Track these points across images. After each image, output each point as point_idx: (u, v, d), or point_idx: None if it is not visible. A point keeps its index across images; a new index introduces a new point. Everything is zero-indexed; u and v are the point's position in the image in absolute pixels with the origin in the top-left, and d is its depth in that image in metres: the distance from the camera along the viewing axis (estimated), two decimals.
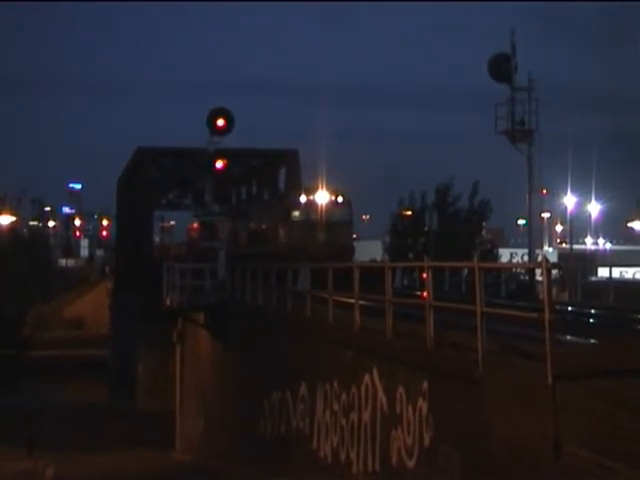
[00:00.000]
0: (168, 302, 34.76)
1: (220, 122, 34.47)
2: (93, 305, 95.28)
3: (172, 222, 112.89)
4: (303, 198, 39.09)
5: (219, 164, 35.22)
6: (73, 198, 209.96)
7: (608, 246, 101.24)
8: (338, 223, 38.89)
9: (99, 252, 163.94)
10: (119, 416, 46.87)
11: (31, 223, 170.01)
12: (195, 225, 48.72)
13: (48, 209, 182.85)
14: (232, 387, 31.71)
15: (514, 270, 42.54)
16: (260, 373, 28.18)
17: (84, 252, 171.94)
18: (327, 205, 38.77)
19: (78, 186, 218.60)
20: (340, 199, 39.41)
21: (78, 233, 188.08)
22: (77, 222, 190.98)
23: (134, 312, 55.79)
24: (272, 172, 61.29)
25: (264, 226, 43.04)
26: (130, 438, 39.14)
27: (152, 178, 61.18)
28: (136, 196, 61.46)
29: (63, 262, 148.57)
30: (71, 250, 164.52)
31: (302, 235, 37.87)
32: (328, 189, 39.21)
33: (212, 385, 34.38)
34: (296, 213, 39.12)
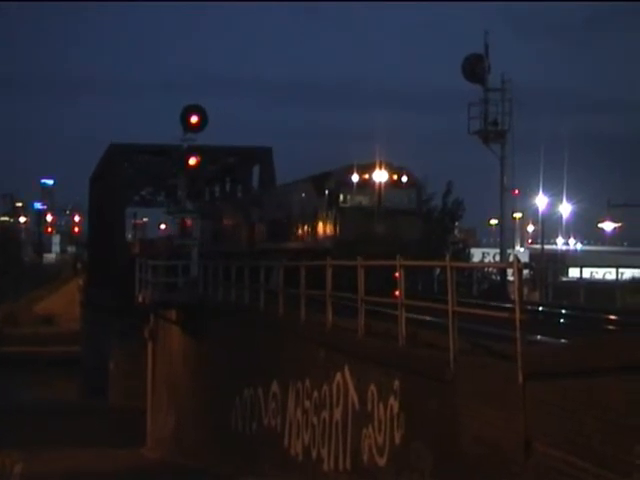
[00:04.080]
0: (140, 299, 34.64)
1: (194, 119, 34.45)
2: (64, 301, 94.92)
3: (145, 219, 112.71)
4: (355, 177, 29.81)
5: (192, 161, 35.15)
6: (45, 194, 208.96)
7: (579, 247, 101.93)
8: (402, 211, 30.05)
9: (71, 248, 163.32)
10: (90, 413, 46.72)
11: (2, 219, 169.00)
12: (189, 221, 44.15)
13: (19, 205, 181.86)
14: (204, 384, 31.67)
15: (486, 270, 42.80)
16: (232, 370, 28.16)
17: (55, 248, 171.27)
18: (387, 187, 29.88)
19: (50, 182, 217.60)
20: (404, 179, 30.18)
21: (50, 229, 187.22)
22: (49, 218, 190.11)
23: (106, 309, 55.61)
24: (246, 169, 61.33)
25: (294, 214, 33.86)
26: (101, 435, 38.99)
27: (125, 175, 61.07)
28: (109, 192, 61.32)
29: (46, 257, 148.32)
30: (42, 246, 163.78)
31: (354, 227, 29.42)
32: (387, 166, 30.05)
33: (184, 382, 34.32)
34: (346, 197, 30.09)
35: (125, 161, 61.39)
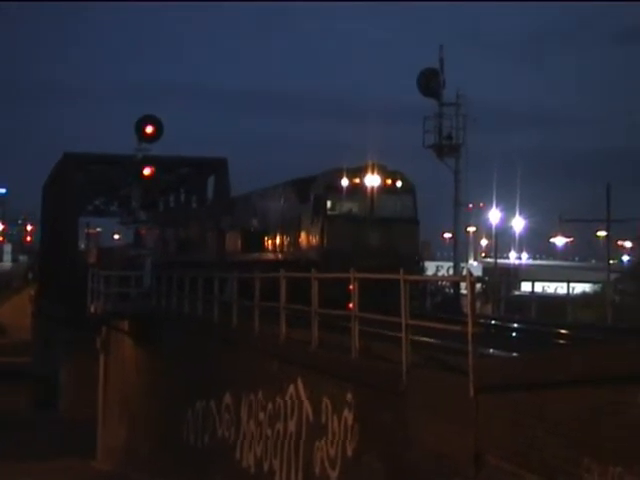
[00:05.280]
0: (92, 309, 34.37)
1: (149, 129, 34.26)
2: (15, 311, 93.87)
3: (98, 229, 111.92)
4: (344, 181, 27.13)
5: (147, 171, 34.92)
6: None
7: (530, 261, 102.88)
8: (396, 219, 27.44)
9: (22, 258, 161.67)
10: (40, 425, 46.19)
11: None
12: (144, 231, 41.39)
13: None
14: (156, 396, 31.47)
15: (440, 283, 43.05)
16: (185, 382, 28.01)
17: (7, 257, 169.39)
18: (380, 192, 27.27)
19: (3, 191, 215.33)
20: (399, 183, 27.58)
21: (1, 238, 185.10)
22: (0, 226, 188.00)
23: (57, 319, 55.11)
24: (201, 180, 61.19)
25: (272, 223, 31.29)
26: (51, 447, 38.56)
27: (78, 184, 60.56)
28: (62, 202, 60.81)
29: (1, 266, 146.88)
30: None
31: (344, 237, 26.83)
32: (380, 170, 27.43)
33: (136, 393, 34.07)
34: (334, 204, 27.43)
35: (78, 170, 60.88)
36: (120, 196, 61.98)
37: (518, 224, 79.37)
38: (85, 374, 45.14)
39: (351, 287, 16.64)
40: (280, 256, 29.67)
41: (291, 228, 29.14)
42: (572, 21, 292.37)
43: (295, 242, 28.71)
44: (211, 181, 60.13)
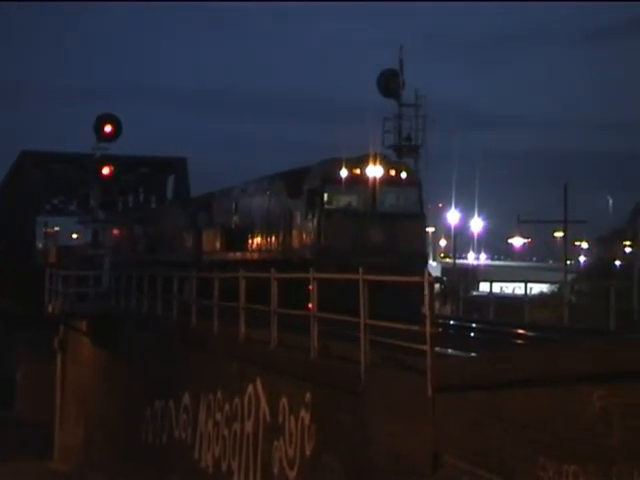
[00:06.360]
0: (50, 309, 34.14)
1: (108, 128, 34.05)
2: None
3: (56, 228, 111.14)
4: (344, 172, 24.85)
5: (106, 170, 34.73)
6: None
7: (488, 261, 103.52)
8: (401, 214, 25.32)
9: None
10: None
11: None
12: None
13: None
14: (114, 395, 31.30)
15: None
16: (144, 382, 27.89)
17: None
18: (382, 185, 25.07)
19: None
20: (403, 175, 25.54)
21: None
22: None
23: (15, 319, 54.65)
24: (160, 180, 61.03)
25: (258, 219, 29.19)
26: (6, 449, 38.19)
27: (36, 183, 60.13)
28: (19, 201, 60.38)
29: None
30: None
31: (343, 233, 24.78)
32: (382, 160, 25.51)
33: (94, 394, 33.87)
34: (332, 197, 25.25)
35: (36, 169, 60.45)
36: (79, 195, 61.62)
37: (477, 225, 79.94)
38: (42, 374, 44.79)
39: (310, 287, 16.63)
40: (268, 255, 27.81)
41: (280, 224, 27.20)
42: (533, 23, 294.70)
43: (286, 240, 26.75)
44: (171, 180, 60.05)
